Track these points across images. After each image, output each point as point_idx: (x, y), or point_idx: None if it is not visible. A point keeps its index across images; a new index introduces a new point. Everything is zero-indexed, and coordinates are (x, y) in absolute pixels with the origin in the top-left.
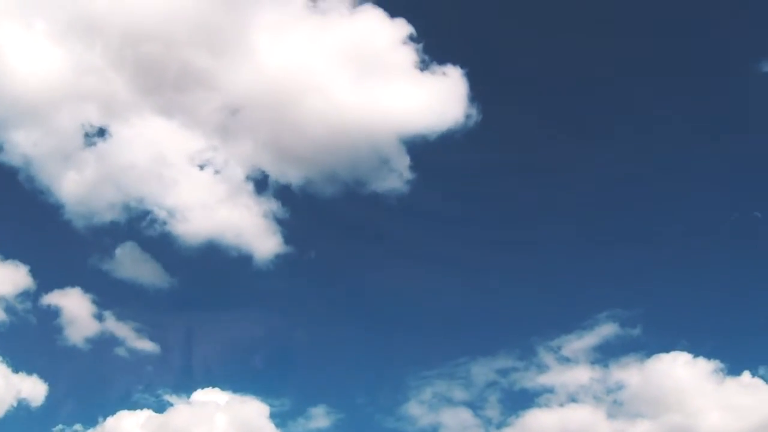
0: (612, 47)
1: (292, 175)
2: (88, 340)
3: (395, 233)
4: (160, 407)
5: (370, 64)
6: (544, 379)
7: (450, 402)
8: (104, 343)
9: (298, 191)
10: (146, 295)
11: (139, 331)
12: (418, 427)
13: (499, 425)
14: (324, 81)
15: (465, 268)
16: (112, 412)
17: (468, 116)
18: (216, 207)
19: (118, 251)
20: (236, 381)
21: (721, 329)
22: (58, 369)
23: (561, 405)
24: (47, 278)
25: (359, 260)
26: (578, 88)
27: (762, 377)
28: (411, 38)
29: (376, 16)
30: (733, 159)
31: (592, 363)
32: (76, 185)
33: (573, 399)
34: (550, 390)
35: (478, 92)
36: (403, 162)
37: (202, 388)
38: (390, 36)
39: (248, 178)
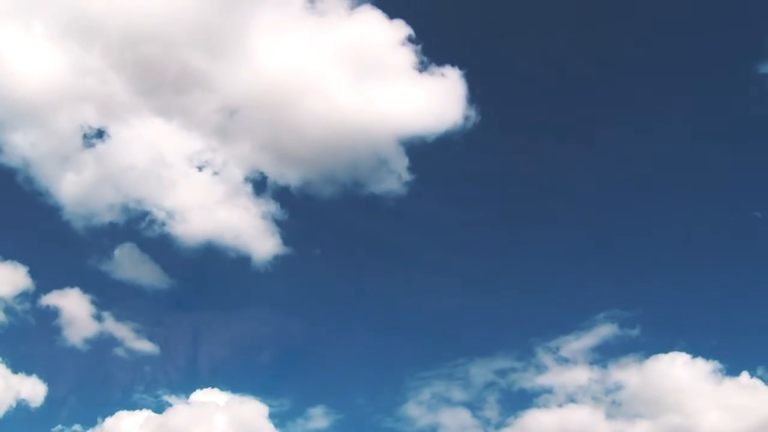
0: (611, 48)
1: (290, 176)
2: (87, 341)
3: (394, 234)
4: (159, 407)
5: (368, 65)
6: (543, 380)
7: (449, 402)
8: (103, 343)
9: (296, 192)
10: (145, 295)
11: (138, 331)
12: (417, 428)
13: (498, 426)
14: (322, 82)
15: (463, 269)
16: (111, 413)
17: (467, 117)
18: (215, 208)
19: (117, 252)
20: (235, 381)
21: (719, 330)
22: (58, 369)
23: (560, 405)
24: (46, 279)
25: (358, 261)
26: (576, 89)
27: (761, 378)
28: (409, 39)
29: (374, 17)
30: (732, 159)
31: (591, 363)
32: (75, 186)
33: (572, 399)
34: (548, 390)
35: (476, 94)
36: (401, 163)
37: (201, 388)
38: (388, 37)
39: (247, 179)
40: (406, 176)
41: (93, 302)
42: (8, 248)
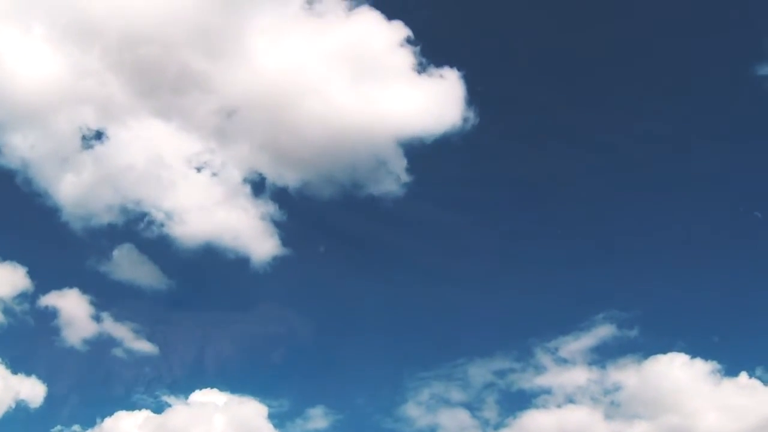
0: (610, 50)
1: (289, 177)
2: (86, 341)
3: (393, 235)
4: (159, 408)
5: (367, 66)
6: (542, 380)
7: (448, 403)
8: (102, 344)
9: (295, 194)
10: (144, 296)
11: (137, 332)
12: (416, 428)
13: (497, 426)
14: (321, 83)
15: (462, 270)
16: (111, 413)
17: (465, 119)
18: (213, 209)
19: (116, 253)
20: (234, 382)
21: (718, 330)
22: (57, 370)
23: (558, 406)
24: (45, 279)
25: (357, 262)
26: (575, 90)
27: (759, 378)
28: (408, 41)
29: (373, 18)
30: (732, 160)
31: (590, 364)
32: (74, 187)
33: (570, 400)
34: (547, 391)
35: (475, 95)
36: (400, 164)
37: (201, 388)
38: (387, 38)
39: (245, 180)
40: (405, 177)
41: (92, 303)
42: (7, 249)
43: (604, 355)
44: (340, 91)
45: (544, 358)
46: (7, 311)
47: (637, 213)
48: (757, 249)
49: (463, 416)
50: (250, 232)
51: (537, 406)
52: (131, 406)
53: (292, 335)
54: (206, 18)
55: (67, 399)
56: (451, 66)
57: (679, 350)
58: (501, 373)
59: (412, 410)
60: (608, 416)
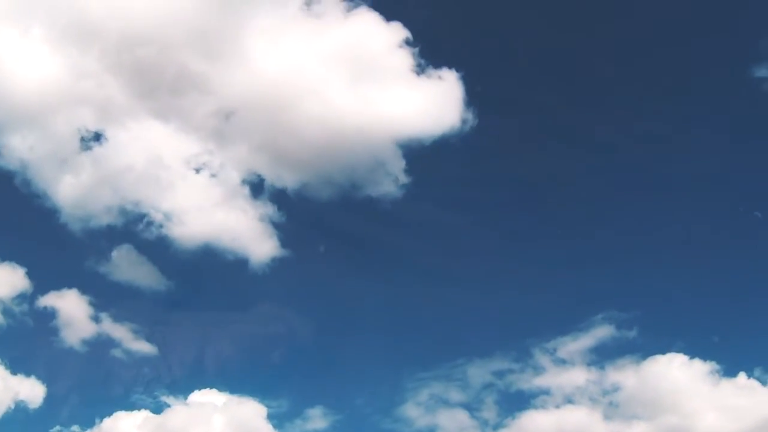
0: (609, 50)
1: (287, 178)
2: (85, 342)
3: (391, 236)
4: (158, 408)
5: (365, 67)
6: (540, 381)
7: (447, 403)
8: (101, 344)
9: (293, 195)
10: (143, 297)
11: (136, 332)
12: (415, 429)
13: (496, 427)
14: (319, 85)
15: (461, 271)
16: (110, 413)
17: (464, 120)
18: (212, 210)
19: (115, 254)
20: (234, 382)
21: (717, 331)
22: (56, 370)
23: (557, 406)
24: (44, 280)
25: (356, 263)
26: (574, 91)
27: (758, 379)
28: (407, 42)
29: (371, 19)
30: (731, 160)
31: (588, 365)
32: (73, 189)
33: (569, 400)
34: (546, 392)
35: (474, 96)
36: (398, 166)
37: (200, 389)
38: (386, 40)
39: (244, 181)
40: (403, 179)
41: (91, 303)
42: (6, 250)
43: (602, 356)
44: (339, 93)
45: (542, 359)
46: (6, 312)
47: (635, 213)
48: (756, 249)
49: (462, 417)
50: (248, 233)
51: (536, 407)
52: (130, 407)
53: (291, 336)
54: (205, 19)
55: (66, 399)
56: (450, 67)
57: (678, 351)
58: (500, 374)
59: (411, 410)
60: (607, 417)
